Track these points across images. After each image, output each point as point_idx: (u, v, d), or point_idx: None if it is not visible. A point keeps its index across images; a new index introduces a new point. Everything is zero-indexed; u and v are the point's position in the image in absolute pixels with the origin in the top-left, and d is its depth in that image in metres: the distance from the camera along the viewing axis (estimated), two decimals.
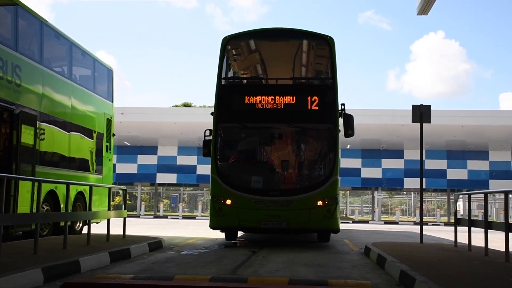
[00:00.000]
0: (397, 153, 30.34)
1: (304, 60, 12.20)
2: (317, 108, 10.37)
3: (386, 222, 30.29)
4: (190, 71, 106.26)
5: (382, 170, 30.50)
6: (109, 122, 13.24)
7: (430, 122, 10.72)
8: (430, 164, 29.41)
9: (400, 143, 28.76)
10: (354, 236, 15.07)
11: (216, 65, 10.66)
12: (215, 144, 10.50)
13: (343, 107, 10.53)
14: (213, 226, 10.42)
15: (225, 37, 10.97)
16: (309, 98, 10.41)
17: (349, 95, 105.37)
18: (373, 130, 26.37)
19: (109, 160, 13.31)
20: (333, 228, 10.38)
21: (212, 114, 10.70)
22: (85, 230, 11.69)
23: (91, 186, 8.99)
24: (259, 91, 10.81)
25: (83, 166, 11.78)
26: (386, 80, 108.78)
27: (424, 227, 14.29)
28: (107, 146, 13.09)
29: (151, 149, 31.20)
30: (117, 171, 28.92)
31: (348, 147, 29.99)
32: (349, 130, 10.42)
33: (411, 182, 29.90)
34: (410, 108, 10.79)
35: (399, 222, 30.37)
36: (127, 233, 10.35)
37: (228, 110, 10.59)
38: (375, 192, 32.43)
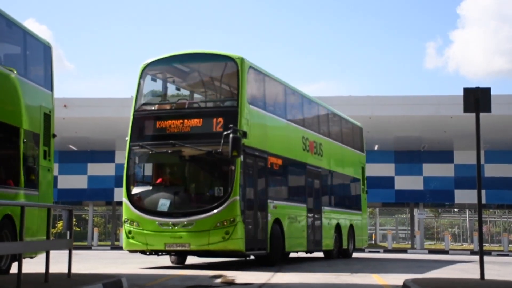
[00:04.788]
0: (445, 156, 30.42)
1: (213, 82, 16.50)
2: (221, 130, 13.89)
3: (431, 251, 30.39)
4: (158, 49, 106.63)
5: (423, 179, 30.56)
6: (47, 118, 13.17)
7: (490, 111, 10.75)
8: (492, 171, 29.49)
9: (449, 141, 28.84)
10: (386, 270, 15.10)
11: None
12: (127, 168, 14.57)
13: (232, 129, 13.56)
14: (125, 249, 14.48)
15: (144, 63, 15.25)
16: (214, 120, 14.28)
17: (372, 77, 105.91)
18: (410, 124, 26.42)
19: (48, 170, 13.25)
20: (235, 250, 13.66)
21: (126, 139, 14.69)
22: (14, 268, 11.58)
23: (23, 207, 8.89)
24: (168, 116, 14.95)
25: (11, 179, 11.68)
26: (423, 56, 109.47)
27: (487, 257, 14.31)
28: (45, 151, 13.03)
29: (107, 155, 31.14)
30: (59, 186, 28.88)
31: (376, 148, 30.05)
32: (234, 151, 13.44)
33: (465, 196, 29.98)
34: (461, 93, 10.81)
35: (450, 251, 30.47)
36: (74, 270, 10.31)
37: (139, 135, 14.81)
38: (415, 210, 32.52)
